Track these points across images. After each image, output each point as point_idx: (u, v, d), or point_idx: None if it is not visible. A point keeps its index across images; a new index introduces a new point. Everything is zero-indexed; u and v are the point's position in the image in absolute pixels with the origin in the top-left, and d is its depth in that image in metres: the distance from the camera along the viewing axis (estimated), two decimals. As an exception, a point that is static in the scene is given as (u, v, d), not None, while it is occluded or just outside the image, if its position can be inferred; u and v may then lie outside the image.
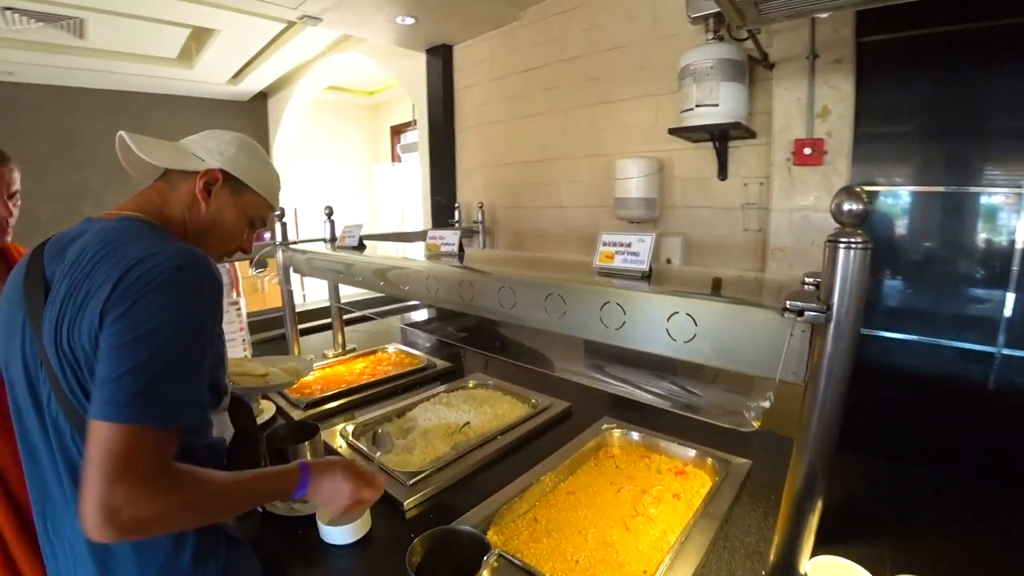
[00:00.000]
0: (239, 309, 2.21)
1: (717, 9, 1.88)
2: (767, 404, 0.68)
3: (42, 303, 0.78)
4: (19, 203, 1.43)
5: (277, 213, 2.25)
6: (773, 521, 1.11)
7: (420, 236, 3.24)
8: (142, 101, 5.60)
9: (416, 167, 4.37)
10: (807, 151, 2.08)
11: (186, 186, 0.94)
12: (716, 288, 1.05)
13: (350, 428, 1.61)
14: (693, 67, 2.13)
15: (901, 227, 1.99)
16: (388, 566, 1.04)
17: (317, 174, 6.89)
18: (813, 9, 1.53)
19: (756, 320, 0.74)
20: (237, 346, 2.19)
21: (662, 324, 0.86)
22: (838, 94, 2.02)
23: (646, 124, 2.73)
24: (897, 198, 1.98)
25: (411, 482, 1.30)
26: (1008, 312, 1.76)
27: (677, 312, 0.84)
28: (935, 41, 1.84)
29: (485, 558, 0.85)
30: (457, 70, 3.85)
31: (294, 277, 2.25)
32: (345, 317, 2.61)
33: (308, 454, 1.24)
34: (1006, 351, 1.77)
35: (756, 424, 0.71)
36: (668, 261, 2.61)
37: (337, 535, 1.11)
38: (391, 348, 2.49)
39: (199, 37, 4.40)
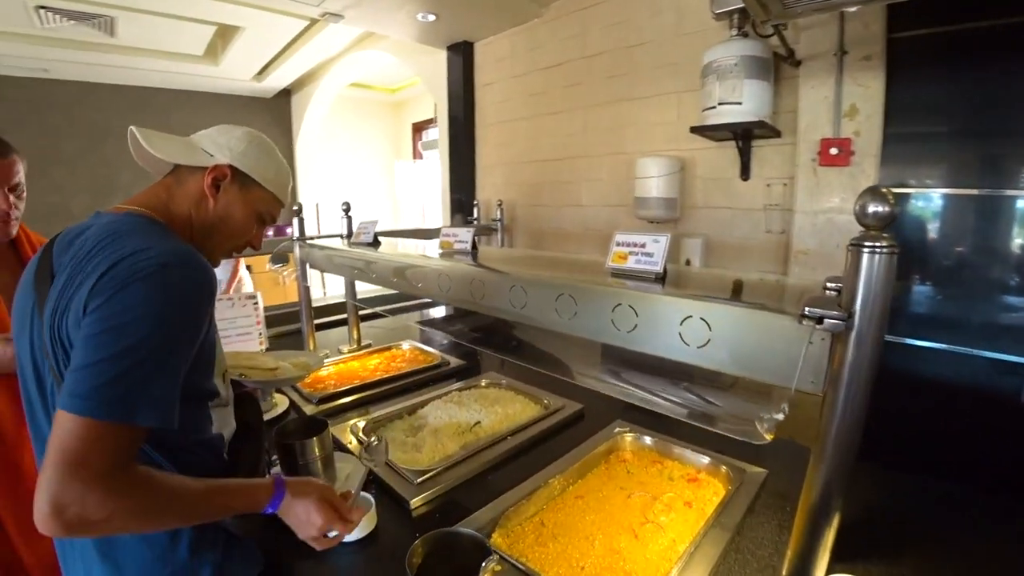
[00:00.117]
0: (256, 303, 2.23)
1: (741, 4, 1.84)
2: (781, 416, 0.65)
3: (47, 296, 0.78)
4: (24, 195, 1.43)
5: (295, 209, 2.26)
6: (788, 534, 1.07)
7: (436, 233, 3.23)
8: (169, 97, 5.71)
9: (437, 164, 4.37)
10: (833, 151, 2.02)
11: (194, 181, 0.94)
12: (736, 291, 1.01)
13: (361, 424, 1.61)
14: (716, 64, 2.08)
15: (932, 231, 1.92)
16: (391, 565, 1.03)
17: (339, 170, 6.95)
18: (841, 3, 1.48)
19: (773, 326, 0.70)
20: (253, 340, 2.21)
21: (675, 328, 0.83)
22: (867, 92, 1.96)
23: (668, 122, 2.68)
24: (928, 201, 1.91)
25: (419, 480, 1.30)
26: (1044, 321, 1.69)
27: (691, 316, 0.81)
28: (970, 37, 1.76)
29: (484, 564, 0.84)
30: (478, 67, 3.84)
31: (315, 272, 2.26)
32: (361, 313, 2.62)
33: (316, 450, 1.24)
34: (1041, 362, 1.69)
35: (768, 437, 0.67)
36: (687, 263, 2.56)
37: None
38: (405, 345, 2.49)
39: (224, 34, 4.47)
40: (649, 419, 1.57)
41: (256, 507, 0.85)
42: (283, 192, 1.06)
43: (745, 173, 2.39)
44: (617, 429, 1.54)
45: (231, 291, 3.05)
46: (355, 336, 2.53)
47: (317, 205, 6.50)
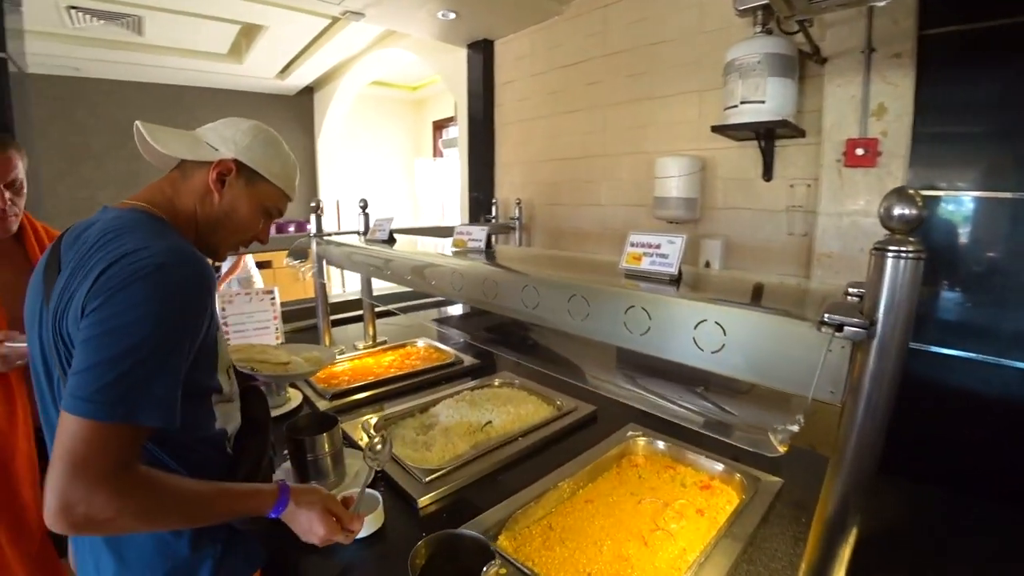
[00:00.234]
0: (273, 298, 2.25)
1: (766, 0, 1.79)
2: (796, 428, 0.62)
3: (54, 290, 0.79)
4: (24, 191, 1.42)
5: (312, 205, 2.28)
6: (803, 547, 1.04)
7: (452, 231, 3.24)
8: (194, 95, 5.80)
9: (457, 162, 4.38)
10: (859, 152, 1.96)
11: (199, 176, 0.93)
12: (756, 295, 0.98)
13: (373, 420, 1.62)
14: (739, 62, 2.03)
15: (962, 235, 1.85)
16: (395, 563, 1.02)
17: (360, 168, 7.01)
18: (871, -2, 1.43)
19: (790, 332, 0.68)
20: (270, 334, 2.23)
21: (689, 332, 0.80)
22: (896, 91, 1.89)
23: (688, 121, 2.64)
24: (958, 204, 1.84)
25: (427, 479, 1.29)
26: (1081, 331, 1.61)
27: (705, 320, 0.78)
28: (1007, 34, 1.69)
29: (485, 569, 0.82)
30: (498, 65, 3.82)
31: (336, 268, 2.27)
32: (377, 310, 2.63)
33: (326, 446, 1.24)
34: (1077, 374, 1.62)
35: (782, 449, 0.65)
36: (707, 264, 2.51)
37: None
38: (420, 342, 2.49)
39: (248, 33, 4.53)
40: (663, 423, 1.54)
41: (260, 512, 0.86)
42: (290, 186, 1.05)
43: (767, 174, 2.34)
44: (630, 433, 1.52)
45: (226, 282, 3.08)
46: (371, 333, 2.54)
47: (338, 202, 6.56)
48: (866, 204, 1.99)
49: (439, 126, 7.04)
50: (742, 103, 2.05)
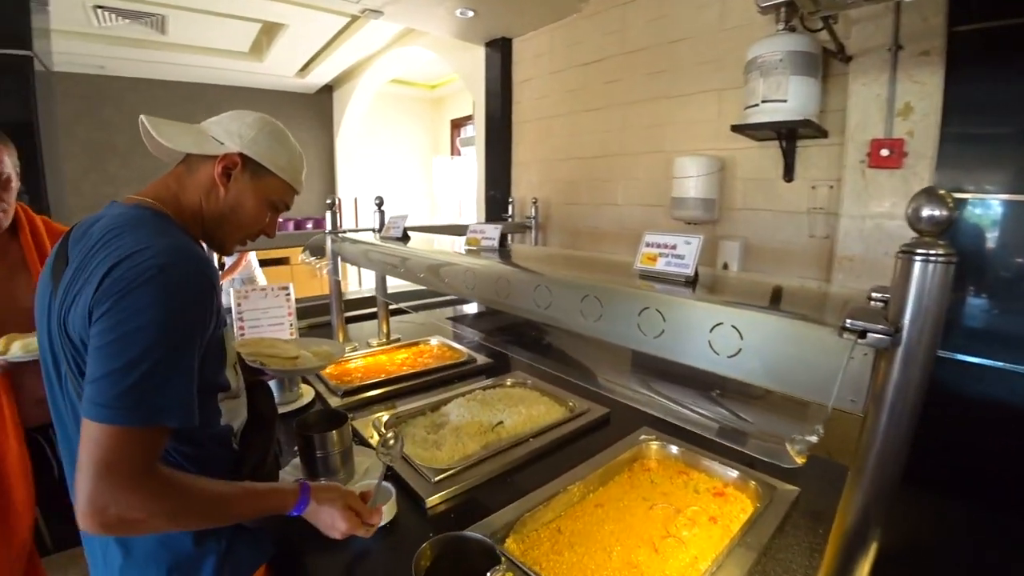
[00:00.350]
0: (288, 294, 2.26)
1: (790, -3, 1.75)
2: (814, 438, 0.60)
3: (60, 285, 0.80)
4: (14, 185, 1.40)
5: (328, 202, 2.29)
6: (819, 559, 1.01)
7: (466, 229, 3.23)
8: (215, 93, 5.88)
9: (474, 161, 4.38)
10: (884, 152, 1.91)
11: (205, 170, 0.93)
12: (774, 298, 0.95)
13: (384, 418, 1.61)
14: (760, 60, 1.99)
15: (990, 239, 1.79)
16: (400, 564, 1.01)
17: (378, 166, 7.05)
18: (899, -6, 1.38)
19: (810, 338, 0.65)
20: (285, 330, 2.24)
21: (704, 335, 0.78)
22: (923, 90, 1.84)
23: (708, 120, 2.60)
24: (987, 207, 1.78)
25: (436, 479, 1.28)
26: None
27: (721, 323, 0.76)
28: (1043, 31, 1.63)
29: (490, 573, 0.81)
30: (516, 63, 3.81)
31: (353, 265, 2.28)
32: (391, 308, 2.63)
33: (335, 443, 1.24)
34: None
35: (800, 460, 0.62)
36: (725, 266, 2.47)
37: None
38: (434, 341, 2.48)
39: (269, 31, 4.58)
40: (677, 427, 1.50)
41: (282, 511, 0.89)
42: (296, 179, 1.04)
43: (788, 174, 2.29)
44: (643, 436, 1.49)
45: (227, 279, 3.12)
46: (384, 330, 2.54)
47: (356, 200, 6.61)
48: (891, 206, 1.94)
49: (457, 125, 7.05)
50: (763, 102, 2.01)
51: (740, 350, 0.73)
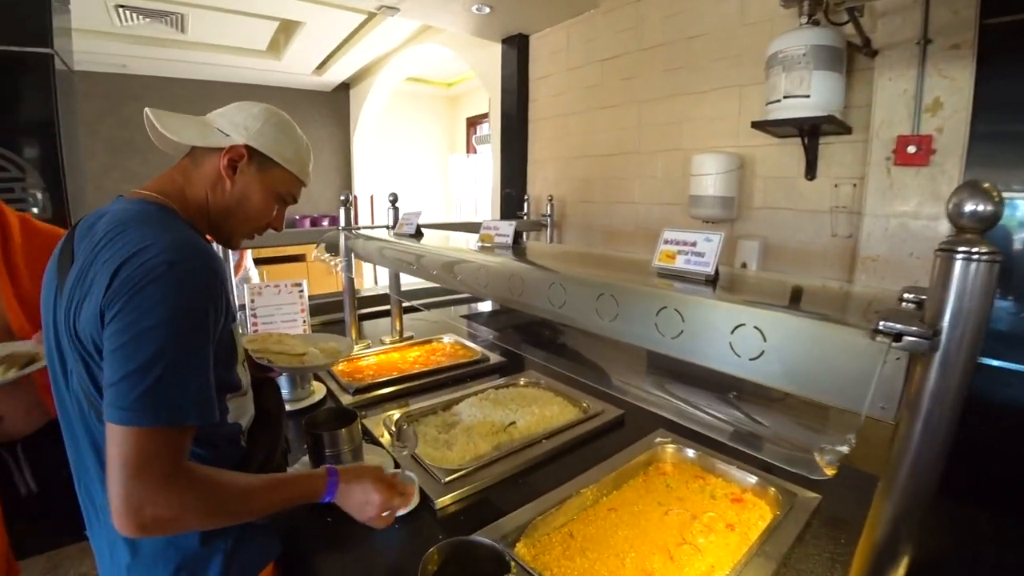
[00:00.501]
0: (301, 291, 2.26)
1: (814, -12, 1.70)
2: (846, 449, 0.56)
3: (66, 280, 0.79)
4: None
5: (342, 199, 2.28)
6: (841, 570, 0.97)
7: (480, 227, 3.22)
8: (233, 91, 5.93)
9: (490, 159, 4.36)
10: (911, 149, 1.85)
11: (210, 163, 0.91)
12: (795, 297, 0.92)
13: (395, 416, 1.60)
14: (783, 54, 1.94)
15: (1017, 240, 1.72)
16: (407, 565, 1.00)
17: (395, 163, 7.06)
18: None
19: (839, 341, 0.61)
20: (298, 326, 2.24)
21: (725, 337, 0.75)
22: (953, 85, 1.77)
23: (727, 117, 2.55)
24: (1013, 208, 1.72)
25: (447, 479, 1.26)
26: None
27: (743, 324, 0.72)
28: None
29: (500, 580, 0.79)
30: (532, 60, 3.78)
31: (368, 263, 2.27)
32: (404, 305, 2.62)
33: (345, 441, 1.23)
34: None
35: (830, 472, 0.59)
36: (743, 266, 2.42)
37: None
38: (447, 338, 2.47)
39: (287, 29, 4.60)
40: (693, 430, 1.47)
41: (314, 497, 0.88)
42: (303, 171, 1.02)
43: (810, 172, 2.24)
44: (658, 439, 1.46)
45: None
46: (397, 328, 2.53)
47: (372, 197, 6.63)
48: (917, 205, 1.88)
49: (473, 123, 7.05)
50: (785, 98, 1.96)
51: (763, 352, 0.70)
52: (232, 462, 0.87)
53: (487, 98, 4.30)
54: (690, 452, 1.41)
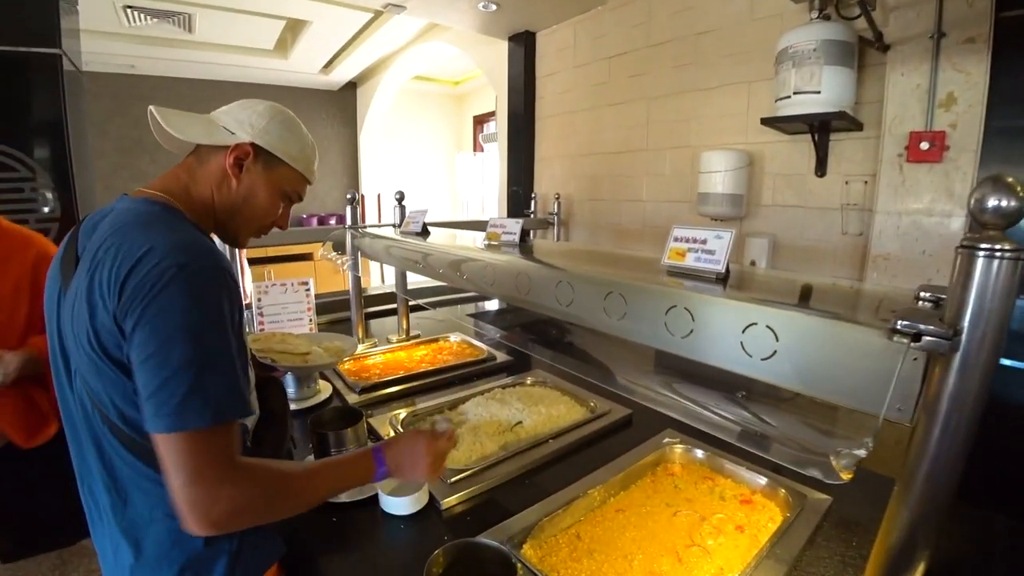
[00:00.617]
0: (308, 289, 2.26)
1: (826, -18, 1.68)
2: (863, 452, 0.55)
3: (71, 280, 0.78)
4: None
5: (348, 197, 2.28)
6: (855, 574, 0.96)
7: (487, 225, 3.21)
8: (241, 91, 5.94)
9: (497, 157, 4.35)
10: (924, 146, 1.82)
11: (216, 162, 0.90)
12: (805, 295, 0.90)
13: (401, 415, 1.59)
14: (793, 50, 1.92)
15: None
16: (412, 566, 0.99)
17: (402, 162, 7.07)
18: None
19: (853, 340, 0.60)
20: (304, 325, 2.24)
21: (736, 336, 0.73)
22: (968, 80, 1.74)
23: (736, 114, 2.52)
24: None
25: (452, 480, 1.25)
26: None
27: (755, 323, 0.71)
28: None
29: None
30: (539, 57, 3.77)
31: (375, 261, 2.27)
32: (411, 304, 2.62)
33: (350, 441, 1.22)
34: None
35: (846, 477, 0.57)
36: (752, 263, 2.40)
37: (399, 505, 1.14)
38: (454, 337, 2.46)
39: (294, 28, 4.61)
40: (702, 431, 1.46)
41: (368, 479, 0.92)
42: (309, 169, 1.01)
43: (821, 169, 2.21)
44: (667, 439, 1.44)
45: None
46: (404, 326, 2.53)
47: (379, 196, 6.64)
48: (930, 203, 1.85)
49: (479, 121, 7.04)
50: (795, 94, 1.94)
51: (775, 352, 0.68)
52: None
53: (494, 96, 4.29)
54: (699, 453, 1.39)
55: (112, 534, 0.81)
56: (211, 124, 0.92)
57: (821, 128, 2.11)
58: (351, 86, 6.57)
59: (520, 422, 1.57)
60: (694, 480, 1.32)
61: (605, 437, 1.54)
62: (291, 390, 1.71)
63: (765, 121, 2.12)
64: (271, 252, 5.11)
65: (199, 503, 0.70)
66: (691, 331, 0.80)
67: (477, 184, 7.01)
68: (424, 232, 1.89)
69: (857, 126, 2.04)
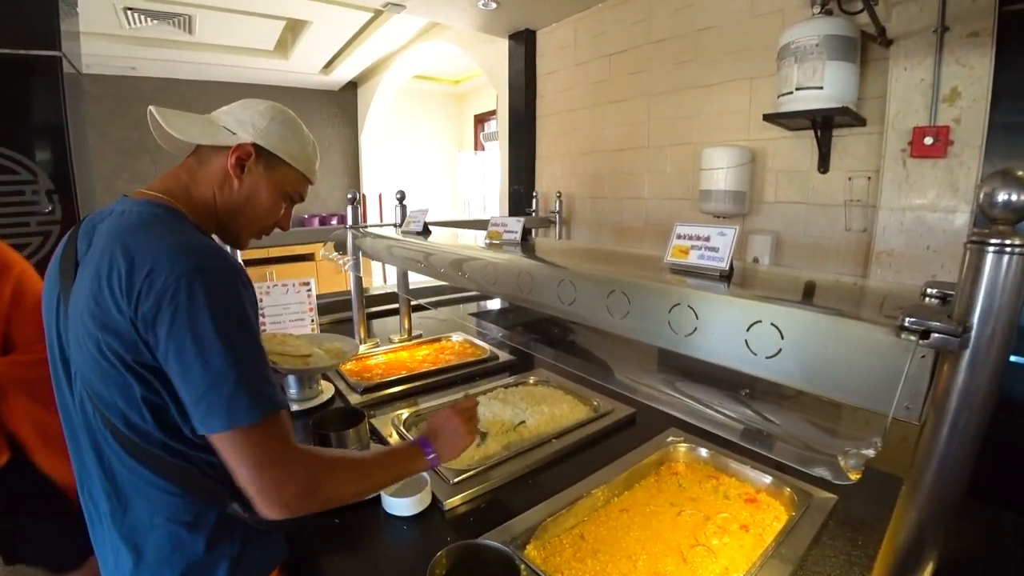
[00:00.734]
0: (309, 290, 2.26)
1: (828, -23, 1.67)
2: (872, 452, 0.54)
3: (71, 284, 0.78)
4: None
5: (349, 197, 2.27)
6: (860, 573, 0.95)
7: (488, 224, 3.20)
8: (241, 91, 5.88)
9: (498, 156, 4.34)
10: (928, 141, 1.81)
11: (217, 162, 0.90)
12: (809, 293, 0.89)
13: (404, 416, 1.59)
14: (795, 45, 1.90)
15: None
16: (415, 570, 0.98)
17: (403, 161, 7.06)
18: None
19: (860, 338, 0.59)
20: (306, 326, 2.24)
21: (741, 334, 0.72)
22: (971, 74, 1.73)
23: (738, 111, 2.51)
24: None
25: (455, 480, 1.25)
26: None
27: (760, 321, 0.70)
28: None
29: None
30: (540, 55, 3.76)
31: (375, 262, 2.26)
32: (412, 303, 2.61)
33: (352, 442, 1.22)
34: None
35: (854, 477, 0.56)
36: (755, 260, 2.39)
37: (402, 506, 1.14)
38: (456, 337, 2.46)
39: (294, 29, 4.60)
40: (706, 429, 1.45)
41: (420, 467, 0.99)
42: (310, 169, 1.01)
43: (823, 165, 2.20)
44: (670, 438, 1.43)
45: None
46: (406, 326, 2.52)
47: (380, 195, 6.63)
48: (934, 198, 1.83)
49: (480, 120, 7.03)
50: (797, 89, 1.93)
51: (780, 350, 0.67)
52: None
53: (494, 95, 4.28)
54: (703, 451, 1.38)
55: (112, 539, 0.80)
56: (212, 124, 0.91)
57: (824, 124, 2.10)
58: (352, 86, 6.56)
59: (523, 422, 1.56)
60: (698, 479, 1.31)
61: (608, 436, 1.53)
62: (293, 391, 1.71)
63: (767, 117, 2.11)
64: (272, 253, 5.11)
65: (269, 487, 0.72)
66: (695, 329, 0.79)
67: (478, 183, 7.00)
68: (425, 231, 1.88)
69: (860, 122, 2.03)
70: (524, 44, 3.73)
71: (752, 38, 2.40)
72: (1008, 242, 0.47)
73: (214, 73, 5.51)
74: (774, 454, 0.77)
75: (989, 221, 0.49)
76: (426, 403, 1.70)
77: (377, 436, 1.49)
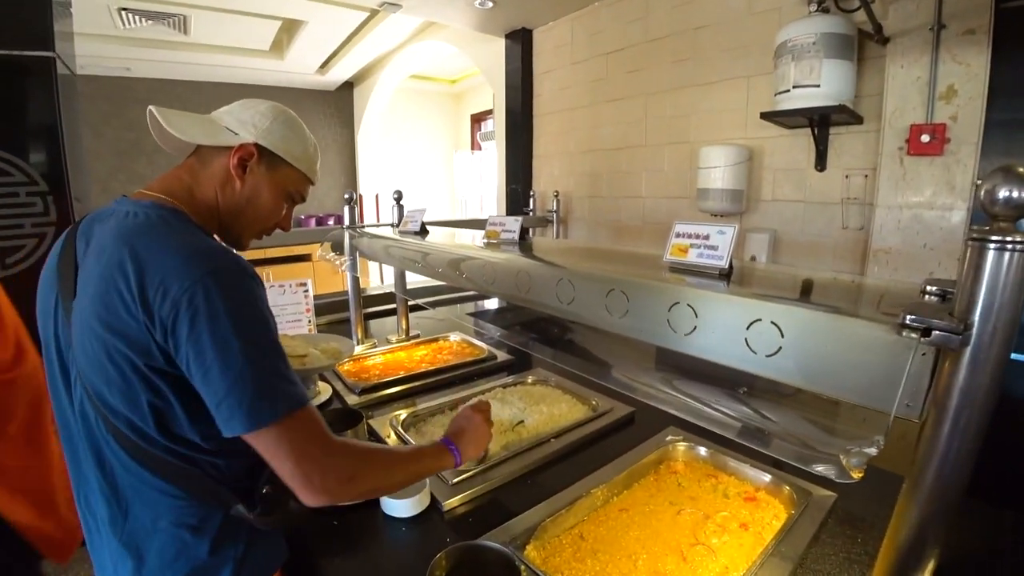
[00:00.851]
0: (307, 290, 2.25)
1: (824, -25, 1.66)
2: (874, 451, 0.54)
3: (71, 285, 0.77)
4: None
5: (346, 197, 2.26)
6: (860, 571, 0.95)
7: (485, 224, 3.20)
8: (237, 92, 5.89)
9: (495, 155, 4.34)
10: (925, 138, 1.81)
11: (219, 163, 0.89)
12: (815, 291, 0.89)
13: (402, 416, 1.58)
14: (792, 43, 1.90)
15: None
16: (415, 569, 0.98)
17: (399, 161, 7.05)
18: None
19: (861, 336, 0.58)
20: (303, 326, 2.23)
21: (740, 332, 0.72)
22: (968, 71, 1.73)
23: (735, 109, 2.51)
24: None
25: (454, 481, 1.24)
26: None
27: (759, 319, 0.70)
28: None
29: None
30: (536, 54, 3.75)
31: (372, 262, 2.25)
32: (410, 303, 2.61)
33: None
34: None
35: (857, 476, 0.56)
36: (753, 259, 2.39)
37: (400, 507, 1.14)
38: (454, 337, 2.45)
39: (289, 29, 4.59)
40: (705, 428, 1.45)
41: (447, 465, 1.01)
42: (312, 169, 1.00)
43: (821, 163, 2.20)
44: (669, 437, 1.43)
45: None
46: (404, 326, 2.52)
47: (377, 195, 6.62)
48: (931, 196, 1.84)
49: (477, 119, 7.02)
50: (794, 87, 1.93)
51: (780, 348, 0.67)
52: (239, 471, 0.84)
53: (491, 94, 4.28)
54: (702, 450, 1.38)
55: (111, 546, 0.79)
56: (213, 124, 0.91)
57: (821, 122, 2.10)
58: (348, 86, 6.56)
59: (522, 421, 1.56)
60: (697, 478, 1.31)
61: (607, 436, 1.53)
62: (290, 392, 1.70)
63: (764, 115, 2.11)
64: (270, 253, 5.09)
65: (311, 478, 0.73)
66: (695, 328, 0.79)
67: (475, 183, 7.00)
68: (423, 231, 1.87)
69: (857, 119, 2.03)
70: (521, 43, 3.73)
71: (749, 36, 2.40)
72: (1009, 239, 0.47)
73: (209, 74, 5.50)
74: (773, 452, 0.76)
75: (990, 218, 0.49)
76: (424, 403, 1.69)
77: (375, 437, 1.48)
